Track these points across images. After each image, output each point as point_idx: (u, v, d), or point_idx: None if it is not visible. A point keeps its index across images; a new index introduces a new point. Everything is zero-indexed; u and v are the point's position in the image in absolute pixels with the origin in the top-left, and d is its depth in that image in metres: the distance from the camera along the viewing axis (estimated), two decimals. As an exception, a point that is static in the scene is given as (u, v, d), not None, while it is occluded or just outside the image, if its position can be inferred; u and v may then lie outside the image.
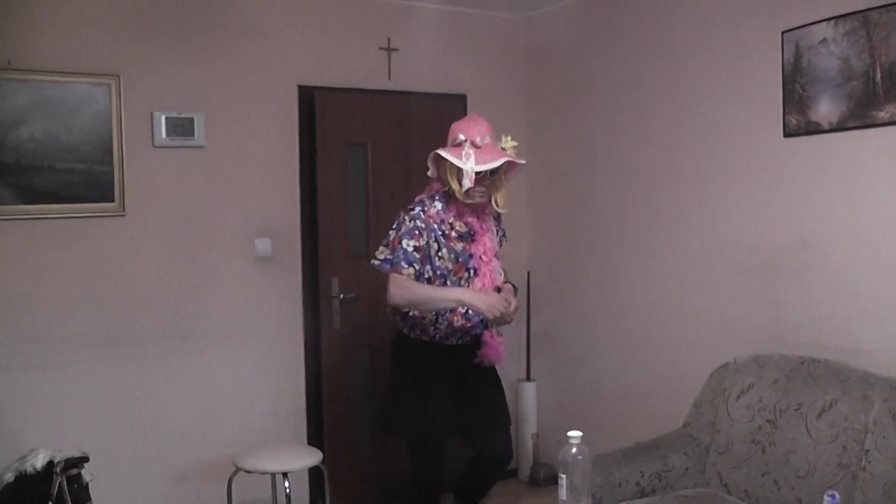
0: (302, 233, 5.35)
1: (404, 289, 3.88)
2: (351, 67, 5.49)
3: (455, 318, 4.04)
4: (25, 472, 3.39)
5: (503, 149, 4.03)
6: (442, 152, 3.96)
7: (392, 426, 4.23)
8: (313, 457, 4.57)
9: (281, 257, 5.27)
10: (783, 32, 4.19)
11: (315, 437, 5.41)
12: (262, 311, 5.22)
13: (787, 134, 4.23)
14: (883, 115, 3.80)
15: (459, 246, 4.05)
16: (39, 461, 3.39)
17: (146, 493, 4.94)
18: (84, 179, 4.67)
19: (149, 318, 4.92)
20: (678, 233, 4.88)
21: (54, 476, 3.38)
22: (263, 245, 5.20)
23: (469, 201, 4.01)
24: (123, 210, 4.80)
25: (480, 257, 4.08)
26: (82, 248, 4.74)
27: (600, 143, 5.42)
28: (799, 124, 4.16)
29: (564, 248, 5.78)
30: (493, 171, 3.98)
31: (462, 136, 3.98)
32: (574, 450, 2.87)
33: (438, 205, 4.06)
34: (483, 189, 4.01)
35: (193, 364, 5.03)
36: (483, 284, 4.06)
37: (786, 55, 4.19)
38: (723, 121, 4.58)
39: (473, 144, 3.92)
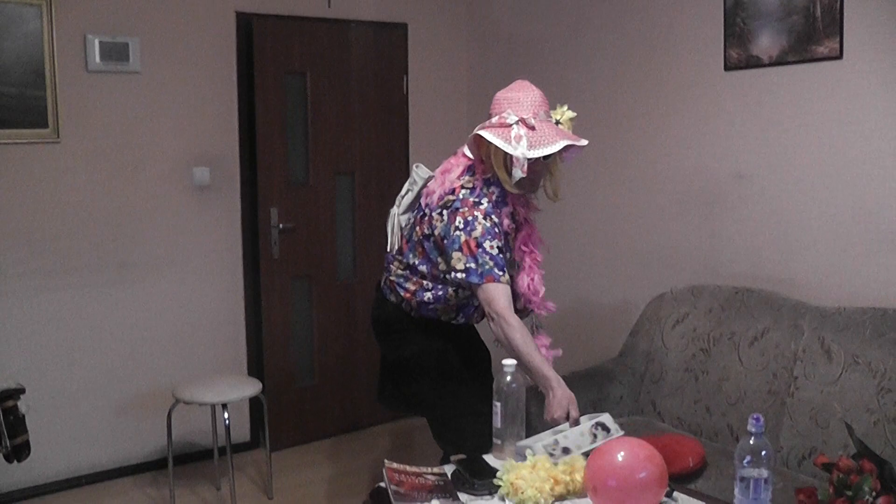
0: (241, 162, 5.29)
1: (520, 328, 3.12)
2: (291, -6, 5.40)
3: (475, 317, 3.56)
4: (-43, 404, 3.34)
5: (558, 122, 3.32)
6: (486, 134, 3.17)
7: (413, 404, 3.75)
8: (253, 387, 4.57)
9: (219, 186, 5.22)
10: (725, -36, 4.19)
11: (255, 368, 5.41)
12: (200, 241, 5.18)
13: (727, 67, 4.24)
14: (822, 49, 3.82)
15: (511, 237, 3.41)
16: (-28, 391, 3.35)
17: (84, 425, 4.93)
18: (16, 104, 4.56)
19: (84, 247, 4.86)
20: (617, 164, 4.89)
21: (-12, 407, 3.34)
22: (201, 174, 5.14)
23: (520, 191, 3.32)
24: (58, 137, 4.71)
25: (523, 248, 3.45)
26: (14, 176, 4.65)
27: (541, 77, 5.37)
28: (739, 58, 4.18)
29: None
30: (549, 155, 3.21)
31: (511, 114, 3.19)
32: (508, 378, 2.90)
33: (496, 191, 3.29)
34: (535, 177, 3.29)
35: (131, 294, 4.99)
36: (532, 280, 3.45)
37: (727, -12, 4.20)
38: (664, 54, 4.58)
39: (525, 123, 3.16)
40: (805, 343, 3.53)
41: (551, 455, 2.81)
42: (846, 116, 3.79)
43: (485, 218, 3.19)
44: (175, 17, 5.02)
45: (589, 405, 4.01)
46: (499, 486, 2.67)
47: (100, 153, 4.86)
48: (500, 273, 3.13)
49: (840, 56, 3.77)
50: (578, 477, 2.64)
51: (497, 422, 2.93)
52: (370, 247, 5.66)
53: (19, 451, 3.42)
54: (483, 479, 2.71)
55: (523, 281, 3.43)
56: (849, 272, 3.81)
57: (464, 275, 3.15)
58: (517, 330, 3.08)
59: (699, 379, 3.88)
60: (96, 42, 4.74)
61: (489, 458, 2.91)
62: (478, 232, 3.16)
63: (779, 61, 4.01)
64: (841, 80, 3.79)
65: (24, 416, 3.43)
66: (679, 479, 3.04)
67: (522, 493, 2.59)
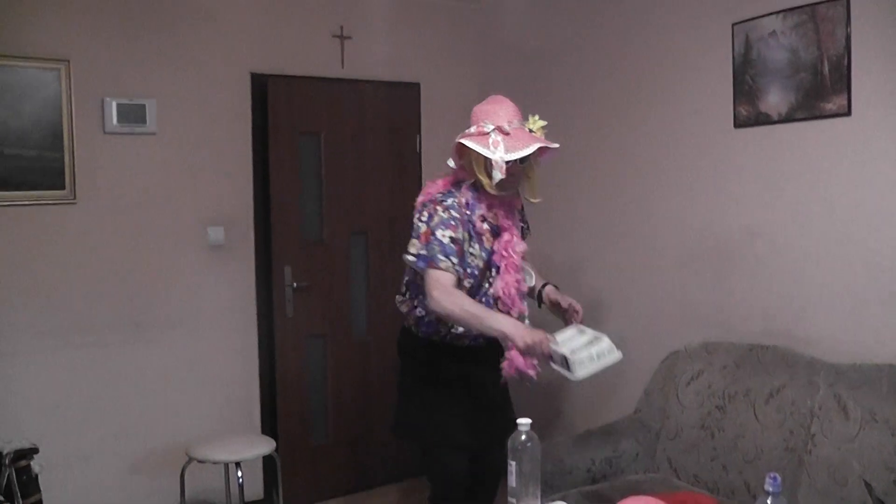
0: (255, 221, 5.33)
1: (451, 295, 3.38)
2: (304, 55, 5.47)
3: None
4: (-27, 462, 3.35)
5: (531, 131, 3.57)
6: (466, 141, 3.47)
7: (408, 431, 3.77)
8: (266, 446, 4.57)
9: (234, 246, 5.25)
10: (734, 24, 4.23)
11: (269, 427, 5.40)
12: (215, 300, 5.20)
13: (737, 125, 4.28)
14: (830, 106, 3.85)
15: (490, 242, 3.58)
16: (-13, 452, 3.36)
17: (98, 484, 4.91)
18: (34, 166, 4.62)
19: (100, 306, 4.88)
20: (630, 221, 4.91)
21: (2, 468, 3.34)
22: (216, 233, 5.18)
23: (501, 193, 3.53)
24: (74, 197, 4.76)
25: (502, 253, 3.57)
26: (32, 236, 4.69)
27: (553, 133, 5.42)
28: (749, 115, 4.21)
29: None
30: (524, 158, 3.46)
31: (488, 123, 3.49)
32: (523, 437, 2.89)
33: (469, 193, 3.56)
34: (514, 179, 3.52)
35: (146, 353, 5.00)
36: (506, 284, 3.56)
37: (736, 47, 4.23)
38: (676, 111, 4.61)
39: (501, 130, 3.45)
40: (821, 400, 3.52)
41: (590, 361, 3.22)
42: (856, 173, 3.80)
43: (444, 211, 3.47)
44: (191, 78, 5.09)
45: (605, 463, 4.01)
46: (515, 547, 2.67)
47: (116, 213, 4.90)
48: (443, 259, 3.38)
49: (849, 113, 3.79)
50: (595, 536, 2.63)
51: (512, 481, 2.91)
52: (384, 305, 5.65)
53: (32, 513, 3.43)
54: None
55: (499, 284, 3.57)
56: (863, 328, 3.80)
57: (414, 259, 3.49)
58: (449, 293, 3.36)
59: (715, 436, 3.86)
60: (114, 104, 4.80)
61: (505, 519, 2.90)
62: (434, 222, 3.46)
63: (788, 118, 4.03)
64: (850, 136, 3.81)
65: (37, 475, 3.44)
66: (696, 538, 3.02)
67: (539, 553, 2.58)
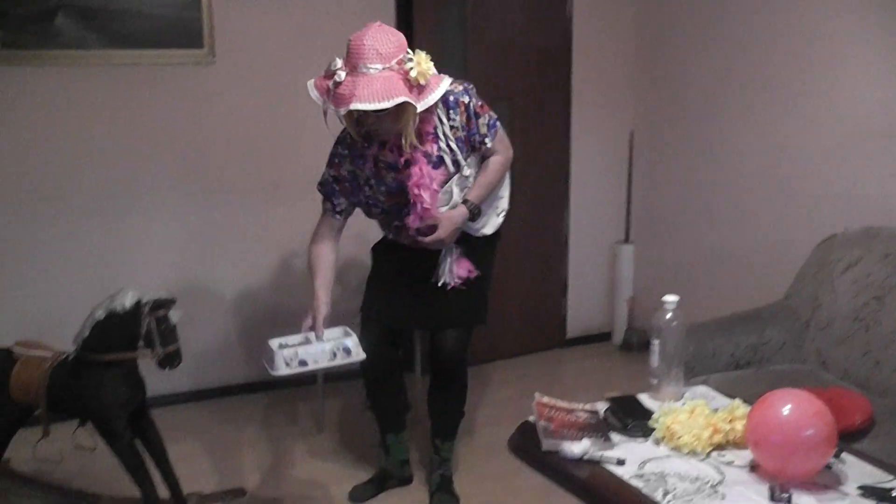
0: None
1: (312, 244, 3.60)
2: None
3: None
4: (115, 310, 3.40)
5: (408, 73, 3.13)
6: (309, 84, 3.25)
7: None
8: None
9: (376, 108, 5.15)
10: None
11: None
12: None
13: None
14: None
15: (390, 176, 3.45)
16: (128, 300, 3.40)
17: (232, 339, 5.04)
18: (173, 25, 4.58)
19: (238, 166, 4.92)
20: (792, 97, 4.61)
21: (142, 316, 3.39)
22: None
23: (361, 140, 3.41)
24: (213, 57, 4.73)
25: (413, 191, 3.38)
26: (171, 96, 4.73)
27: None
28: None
29: (672, 109, 5.54)
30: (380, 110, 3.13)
31: (337, 60, 3.16)
32: (669, 315, 2.75)
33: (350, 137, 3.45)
34: (376, 128, 3.31)
35: (284, 213, 5.01)
36: (414, 221, 3.44)
37: None
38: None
39: (333, 75, 3.13)
40: None
41: (286, 365, 3.11)
42: None
43: (335, 146, 3.53)
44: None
45: (749, 349, 3.84)
46: (653, 429, 2.56)
47: (254, 73, 4.86)
48: (324, 203, 3.59)
49: None
50: (739, 427, 2.50)
51: (654, 360, 2.80)
52: (527, 175, 5.54)
53: (171, 359, 3.47)
54: (637, 420, 2.59)
55: (411, 223, 3.46)
56: None
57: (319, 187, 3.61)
58: (312, 242, 3.57)
59: (870, 329, 3.63)
60: (253, -38, 4.71)
61: (644, 399, 2.78)
62: (328, 158, 3.54)
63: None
64: None
65: (175, 325, 3.47)
66: (842, 438, 2.84)
67: (679, 438, 2.47)
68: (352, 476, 4.10)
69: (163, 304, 3.43)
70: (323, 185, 3.58)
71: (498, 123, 3.51)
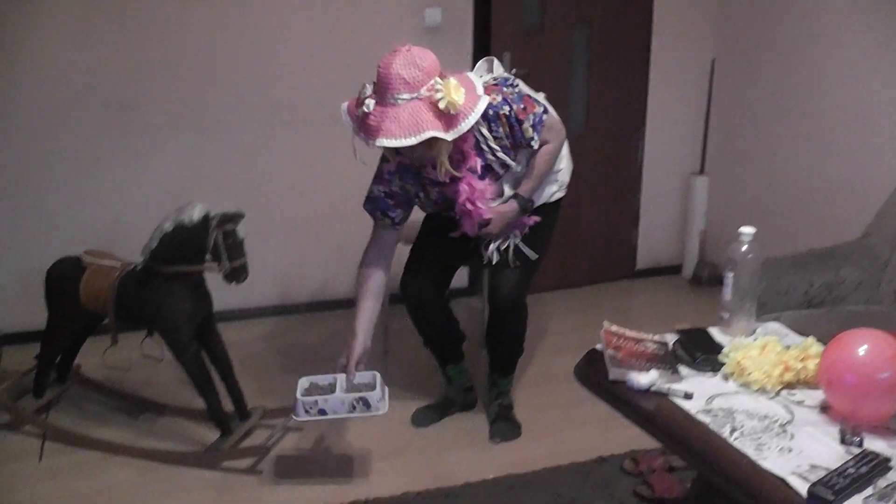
0: (474, 5, 5.10)
1: (361, 266, 3.48)
2: None
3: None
4: (183, 223, 3.41)
5: (438, 103, 2.96)
6: (343, 106, 3.20)
7: None
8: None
9: (450, 28, 5.06)
10: None
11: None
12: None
13: None
14: None
15: (435, 192, 3.40)
16: (196, 213, 3.41)
17: (299, 260, 5.07)
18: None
19: (310, 85, 4.89)
20: (879, 23, 4.42)
21: (210, 230, 3.40)
22: (433, 15, 5.00)
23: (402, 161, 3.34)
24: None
25: (466, 205, 3.32)
26: (244, 18, 4.72)
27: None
28: None
29: (756, 37, 5.35)
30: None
31: (367, 88, 3.07)
32: (745, 247, 2.67)
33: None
34: (411, 156, 3.23)
35: (348, 144, 4.97)
36: (468, 229, 3.41)
37: None
38: None
39: (363, 103, 3.03)
40: None
41: (306, 412, 3.21)
42: None
43: (380, 162, 3.42)
44: None
45: (824, 288, 3.73)
46: (723, 364, 2.50)
47: (327, 4, 4.83)
48: (380, 217, 3.45)
49: None
50: (811, 366, 2.42)
51: (727, 293, 2.72)
52: (604, 101, 5.44)
53: (237, 273, 3.49)
54: (707, 354, 2.53)
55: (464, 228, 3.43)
56: None
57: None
58: (357, 278, 3.46)
59: (954, 271, 3.52)
60: None
61: (715, 333, 2.72)
62: (375, 173, 3.45)
63: None
64: None
65: (242, 240, 3.48)
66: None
67: (748, 374, 2.41)
68: (415, 400, 4.10)
69: (231, 219, 3.44)
70: (374, 202, 3.45)
71: (544, 116, 3.39)
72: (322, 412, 3.23)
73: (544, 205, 3.64)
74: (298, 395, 3.28)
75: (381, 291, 3.48)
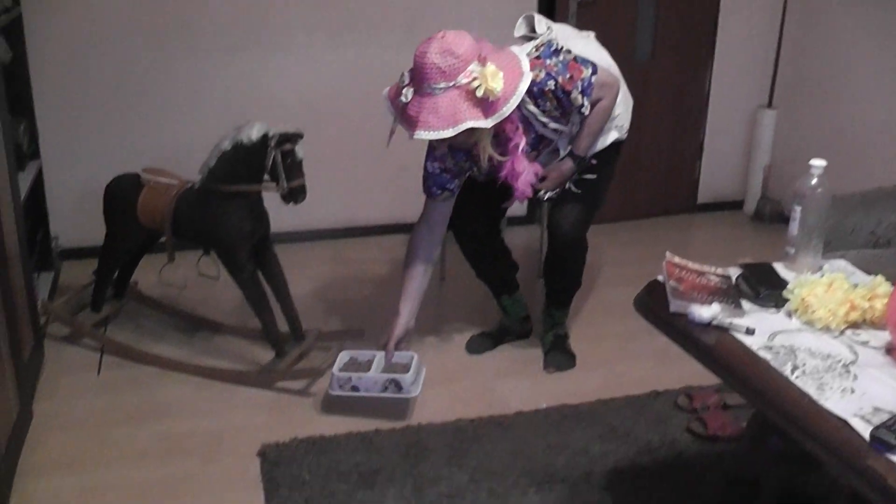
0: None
1: (413, 235, 3.49)
2: None
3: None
4: (241, 142, 3.38)
5: (475, 90, 2.91)
6: (384, 92, 3.22)
7: None
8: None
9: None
10: None
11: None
12: (488, 9, 4.95)
13: None
14: None
15: (486, 166, 3.26)
16: (255, 132, 3.37)
17: (355, 182, 5.02)
18: None
19: (374, 6, 4.83)
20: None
21: (268, 149, 3.37)
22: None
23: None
24: None
25: (516, 184, 3.27)
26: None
27: None
28: None
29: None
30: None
31: (406, 76, 3.06)
32: (815, 181, 2.57)
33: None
34: (454, 143, 3.19)
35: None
36: (521, 198, 3.35)
37: None
38: None
39: (400, 94, 3.04)
40: None
41: (340, 387, 3.32)
42: None
43: (429, 143, 3.29)
44: None
45: (891, 228, 3.62)
46: (787, 300, 2.43)
47: None
48: (438, 192, 3.39)
49: None
50: (879, 305, 2.34)
51: (793, 229, 2.64)
52: (672, 29, 5.31)
53: (295, 193, 3.47)
54: (771, 289, 2.46)
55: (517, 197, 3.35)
56: None
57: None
58: (407, 250, 3.47)
59: None
60: None
61: (779, 268, 2.64)
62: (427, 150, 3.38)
63: None
64: None
65: (301, 160, 3.45)
66: None
67: (813, 312, 2.33)
68: (471, 326, 4.09)
69: (289, 139, 3.41)
70: (431, 179, 3.40)
71: (593, 78, 3.26)
72: (355, 389, 3.34)
73: (603, 150, 3.57)
74: (335, 370, 3.36)
75: (430, 270, 3.49)
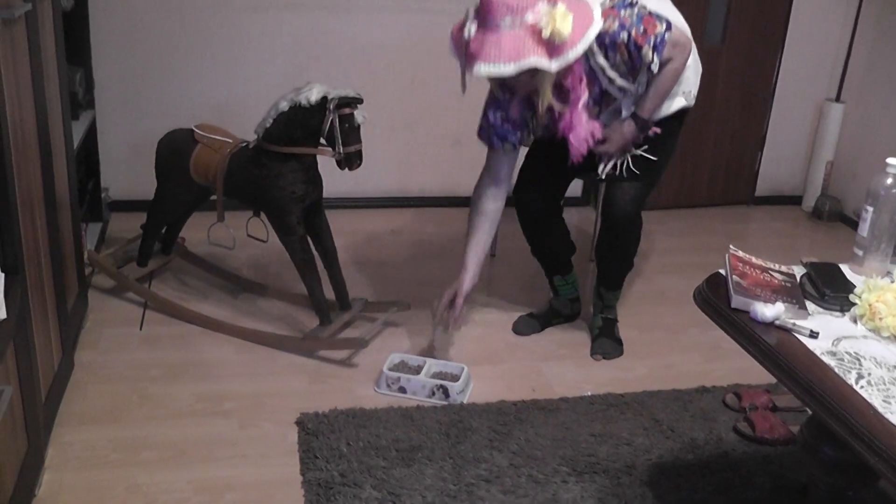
0: None
1: (477, 187, 3.42)
2: None
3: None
4: (299, 103, 3.31)
5: (541, 31, 2.82)
6: (451, 31, 3.07)
7: None
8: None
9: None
10: None
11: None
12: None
13: None
14: None
15: (545, 118, 3.20)
16: (314, 95, 3.30)
17: (411, 152, 4.97)
18: None
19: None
20: None
21: (327, 112, 3.30)
22: None
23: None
24: None
25: (571, 140, 3.20)
26: None
27: None
28: None
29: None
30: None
31: (471, 13, 2.94)
32: (890, 180, 2.46)
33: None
34: (514, 85, 3.09)
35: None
36: (575, 158, 3.24)
37: None
38: None
39: (465, 30, 2.93)
40: None
41: (388, 387, 3.30)
42: None
43: (490, 92, 3.26)
44: None
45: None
46: (853, 305, 2.33)
47: None
48: (499, 142, 3.31)
49: None
50: (951, 316, 2.24)
51: (864, 229, 2.53)
52: (745, 14, 5.18)
53: (351, 159, 3.40)
54: (837, 292, 2.37)
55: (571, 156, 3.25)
56: None
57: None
58: (471, 202, 3.42)
59: None
60: None
61: (847, 270, 2.54)
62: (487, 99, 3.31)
63: None
64: None
65: (359, 125, 3.38)
66: None
67: (881, 319, 2.23)
68: (519, 307, 4.02)
69: (349, 103, 3.34)
70: (491, 129, 3.32)
71: (667, 35, 3.11)
72: (402, 390, 3.31)
73: (667, 117, 3.44)
74: (385, 368, 3.34)
75: (495, 224, 3.44)
